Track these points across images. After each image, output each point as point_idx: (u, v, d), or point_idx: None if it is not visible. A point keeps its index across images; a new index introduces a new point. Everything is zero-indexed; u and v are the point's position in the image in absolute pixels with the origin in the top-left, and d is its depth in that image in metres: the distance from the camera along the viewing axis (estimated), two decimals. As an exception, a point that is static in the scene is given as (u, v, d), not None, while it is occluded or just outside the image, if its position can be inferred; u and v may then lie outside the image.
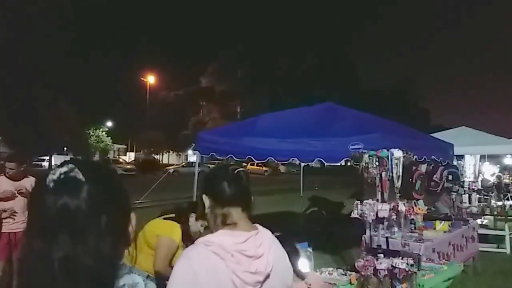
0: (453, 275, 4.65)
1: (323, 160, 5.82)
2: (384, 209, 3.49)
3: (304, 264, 3.71)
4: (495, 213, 8.54)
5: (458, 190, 7.12)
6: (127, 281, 2.98)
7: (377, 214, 3.56)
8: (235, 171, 1.62)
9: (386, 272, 3.54)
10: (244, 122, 8.15)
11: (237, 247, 1.48)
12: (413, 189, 5.92)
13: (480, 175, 12.41)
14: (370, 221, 3.55)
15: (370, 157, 3.65)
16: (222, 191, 1.58)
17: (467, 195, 6.97)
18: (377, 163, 3.68)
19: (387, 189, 5.06)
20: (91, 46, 35.36)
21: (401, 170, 3.60)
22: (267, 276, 1.52)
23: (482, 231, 8.93)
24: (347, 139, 5.48)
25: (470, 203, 8.40)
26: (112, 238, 0.75)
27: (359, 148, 4.57)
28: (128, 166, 33.26)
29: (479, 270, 7.02)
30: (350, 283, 3.44)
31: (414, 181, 5.92)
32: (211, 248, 1.47)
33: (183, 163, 37.63)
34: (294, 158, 6.15)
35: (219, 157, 6.64)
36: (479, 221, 9.18)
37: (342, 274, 3.50)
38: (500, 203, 8.89)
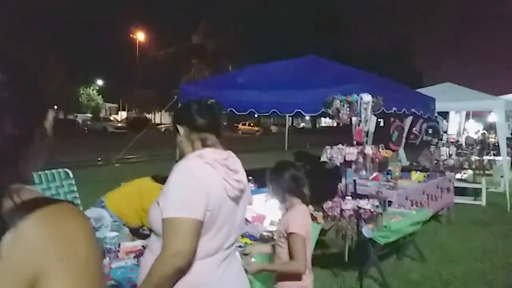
0: (421, 220, 4.86)
1: (302, 112, 5.86)
2: (351, 153, 3.59)
3: (274, 209, 3.86)
4: (474, 167, 8.76)
5: (437, 143, 7.27)
6: (93, 214, 3.11)
7: (345, 158, 3.67)
8: (208, 102, 1.81)
9: (351, 213, 3.69)
10: (227, 75, 8.09)
11: (223, 162, 1.70)
12: (390, 139, 6.04)
13: (465, 132, 12.61)
14: (338, 164, 3.66)
15: (341, 102, 3.71)
16: (198, 118, 1.76)
17: (445, 148, 7.12)
18: (348, 109, 3.74)
19: (360, 135, 5.17)
20: (81, 3, 34.22)
21: (369, 114, 3.68)
22: (244, 187, 1.79)
23: (461, 184, 9.23)
24: (327, 90, 5.50)
25: (450, 157, 8.58)
26: (17, 116, 0.77)
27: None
28: (120, 125, 33.17)
29: (453, 220, 7.30)
30: (317, 222, 3.60)
31: (391, 132, 6.03)
32: (204, 160, 1.67)
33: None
34: (275, 110, 6.18)
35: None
36: (459, 175, 9.45)
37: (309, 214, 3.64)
38: (479, 157, 9.10)
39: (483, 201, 8.87)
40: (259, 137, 37.79)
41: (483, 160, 8.92)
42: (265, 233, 3.19)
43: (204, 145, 1.74)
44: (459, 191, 9.31)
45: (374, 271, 4.39)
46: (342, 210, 3.67)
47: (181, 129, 1.79)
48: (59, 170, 4.32)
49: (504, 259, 5.15)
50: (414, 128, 7.00)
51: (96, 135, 28.37)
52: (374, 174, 6.05)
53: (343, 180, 5.05)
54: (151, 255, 1.64)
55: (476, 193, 9.03)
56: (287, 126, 9.60)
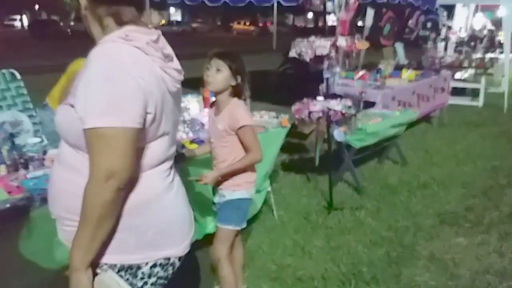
0: (405, 122, 4.51)
1: (281, 2, 5.22)
2: (322, 46, 3.10)
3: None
4: (473, 65, 8.18)
5: (435, 39, 6.62)
6: (9, 118, 2.77)
7: (315, 53, 3.18)
8: None
9: (320, 115, 3.32)
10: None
11: (154, 45, 1.26)
12: (381, 33, 5.44)
13: (472, 28, 11.70)
14: (308, 60, 3.19)
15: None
16: None
17: (443, 44, 6.50)
18: (321, -6, 3.16)
19: (345, 26, 4.60)
20: None
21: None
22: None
23: (459, 84, 8.73)
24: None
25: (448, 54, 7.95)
26: None
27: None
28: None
29: (445, 122, 6.98)
30: (282, 126, 3.24)
31: (382, 25, 5.40)
32: (133, 43, 1.21)
33: (163, 22, 35.73)
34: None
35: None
36: (459, 74, 8.90)
37: (274, 117, 3.28)
38: (480, 55, 8.45)
39: (480, 102, 8.46)
40: (254, 37, 36.24)
41: (484, 58, 8.28)
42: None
43: (121, 22, 1.25)
44: (457, 92, 8.87)
45: (349, 176, 4.18)
46: (310, 112, 3.29)
47: (82, 0, 1.27)
48: (3, 71, 3.89)
49: (488, 162, 4.90)
50: (410, 21, 6.30)
51: (80, 37, 27.04)
52: (361, 73, 5.58)
53: (324, 80, 4.62)
54: (63, 170, 1.29)
55: (476, 93, 8.58)
56: (275, 22, 8.81)
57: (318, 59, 3.23)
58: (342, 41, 3.12)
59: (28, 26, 32.47)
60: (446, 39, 7.37)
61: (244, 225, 2.25)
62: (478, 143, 5.77)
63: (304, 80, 5.58)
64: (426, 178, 4.39)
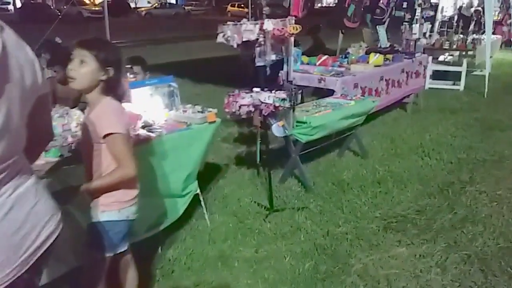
0: (361, 111, 4.13)
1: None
2: (249, 30, 2.71)
3: (157, 101, 3.12)
4: (454, 47, 7.75)
5: (410, 20, 6.18)
6: None
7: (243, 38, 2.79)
8: None
9: (250, 109, 2.95)
10: None
11: None
12: (345, 14, 4.99)
13: (462, 7, 11.21)
14: (235, 46, 2.80)
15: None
16: None
17: (417, 25, 6.05)
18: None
19: (297, 7, 4.20)
20: None
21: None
22: None
23: (440, 67, 8.33)
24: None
25: (430, 35, 7.49)
26: None
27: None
28: (96, 8, 30.55)
29: (421, 108, 6.60)
30: (209, 121, 2.87)
31: (346, 5, 4.97)
32: None
33: (156, 4, 34.83)
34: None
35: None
36: (442, 57, 8.49)
37: (199, 111, 2.91)
38: (462, 36, 7.99)
39: (461, 86, 8.07)
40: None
41: (466, 39, 7.84)
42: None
43: None
44: (440, 75, 8.46)
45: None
46: (240, 106, 2.91)
47: None
48: None
49: (455, 154, 4.54)
50: (380, 1, 5.84)
51: (70, 20, 26.33)
52: (323, 58, 5.17)
53: (284, 66, 4.23)
54: None
55: (457, 76, 8.18)
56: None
57: (247, 44, 2.84)
58: (269, 25, 2.72)
59: (18, 9, 31.60)
60: (429, 19, 6.89)
61: (121, 250, 1.89)
62: (449, 132, 5.41)
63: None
64: (383, 172, 4.04)
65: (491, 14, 6.89)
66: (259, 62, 2.95)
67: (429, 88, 8.27)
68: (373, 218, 3.17)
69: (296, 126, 3.51)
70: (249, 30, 2.71)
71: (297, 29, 3.00)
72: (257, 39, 2.79)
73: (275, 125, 3.19)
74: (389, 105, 5.89)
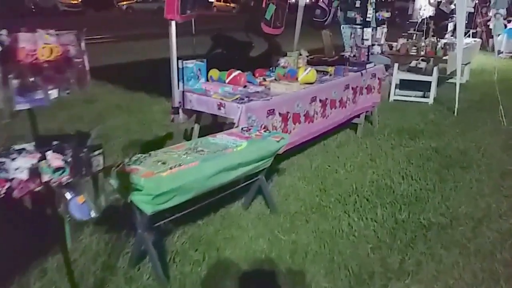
0: (258, 157, 2.93)
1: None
2: None
3: None
4: (422, 53, 6.56)
5: (362, 22, 4.99)
6: None
7: None
8: None
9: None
10: None
11: None
12: (262, 17, 3.78)
13: (441, 3, 10.00)
14: None
15: None
16: None
17: (370, 29, 4.86)
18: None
19: (172, 8, 3.02)
20: None
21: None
22: None
23: (406, 76, 7.14)
24: None
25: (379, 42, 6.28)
26: None
27: None
28: (73, 2, 29.06)
29: (374, 130, 5.42)
30: None
31: (263, 5, 3.76)
32: None
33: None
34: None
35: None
36: (414, 62, 7.30)
37: None
38: (434, 39, 6.78)
39: (430, 99, 6.89)
40: (235, 14, 34.24)
41: (436, 43, 6.64)
42: None
43: None
44: (410, 85, 7.30)
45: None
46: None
47: None
48: None
49: (393, 210, 3.36)
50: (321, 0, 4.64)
51: (45, 14, 24.90)
52: (234, 74, 3.95)
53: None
54: None
55: (428, 86, 7.00)
56: None
57: None
58: None
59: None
60: (378, 21, 5.68)
61: None
62: (399, 168, 4.23)
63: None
64: (279, 248, 2.84)
65: (464, 15, 5.69)
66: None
67: (394, 100, 7.10)
68: None
69: (136, 189, 2.33)
70: None
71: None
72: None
73: (73, 201, 1.99)
74: (335, 127, 4.72)
